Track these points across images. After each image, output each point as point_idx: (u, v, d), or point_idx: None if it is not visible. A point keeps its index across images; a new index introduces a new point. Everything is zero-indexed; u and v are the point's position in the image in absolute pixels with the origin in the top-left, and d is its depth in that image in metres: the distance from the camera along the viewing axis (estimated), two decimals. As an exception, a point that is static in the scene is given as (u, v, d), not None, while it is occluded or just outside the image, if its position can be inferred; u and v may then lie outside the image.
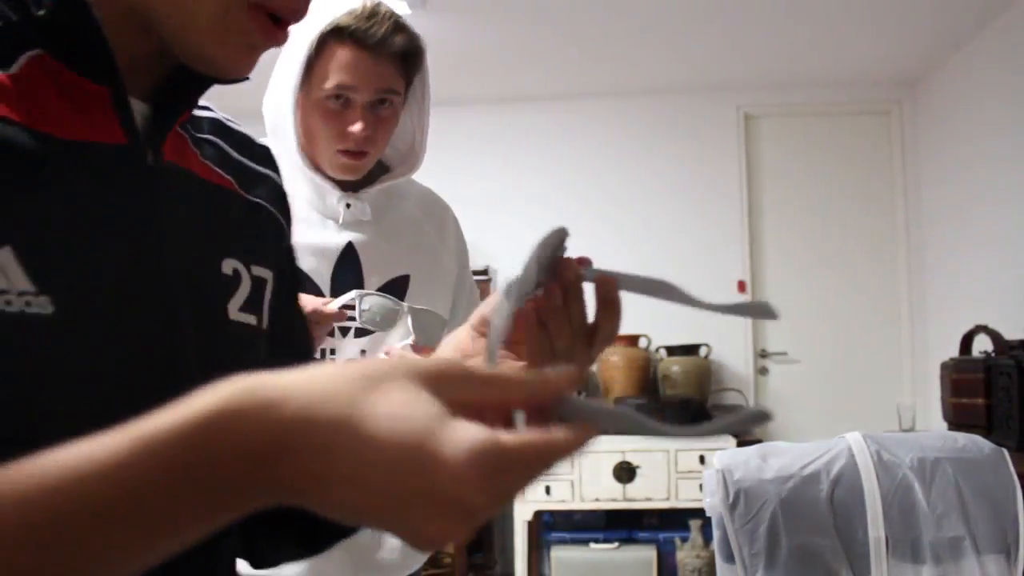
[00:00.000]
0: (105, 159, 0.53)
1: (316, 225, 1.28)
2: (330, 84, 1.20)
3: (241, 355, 0.61)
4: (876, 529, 1.24)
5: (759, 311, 0.73)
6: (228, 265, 0.61)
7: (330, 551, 1.18)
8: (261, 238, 0.67)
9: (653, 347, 4.38)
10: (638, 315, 5.06)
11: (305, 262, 1.16)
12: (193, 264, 0.58)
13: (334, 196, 1.28)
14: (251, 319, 0.63)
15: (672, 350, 4.33)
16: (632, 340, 4.33)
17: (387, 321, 1.18)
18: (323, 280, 1.26)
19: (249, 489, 0.37)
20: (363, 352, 1.27)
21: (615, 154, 4.63)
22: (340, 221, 1.29)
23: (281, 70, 1.24)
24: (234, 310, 0.61)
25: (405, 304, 1.19)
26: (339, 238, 1.28)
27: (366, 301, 1.17)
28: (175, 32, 0.53)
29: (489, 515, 0.38)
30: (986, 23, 3.67)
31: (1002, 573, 1.24)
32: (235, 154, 0.67)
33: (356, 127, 1.21)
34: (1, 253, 0.45)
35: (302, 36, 1.20)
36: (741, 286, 4.51)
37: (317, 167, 1.28)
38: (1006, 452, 1.31)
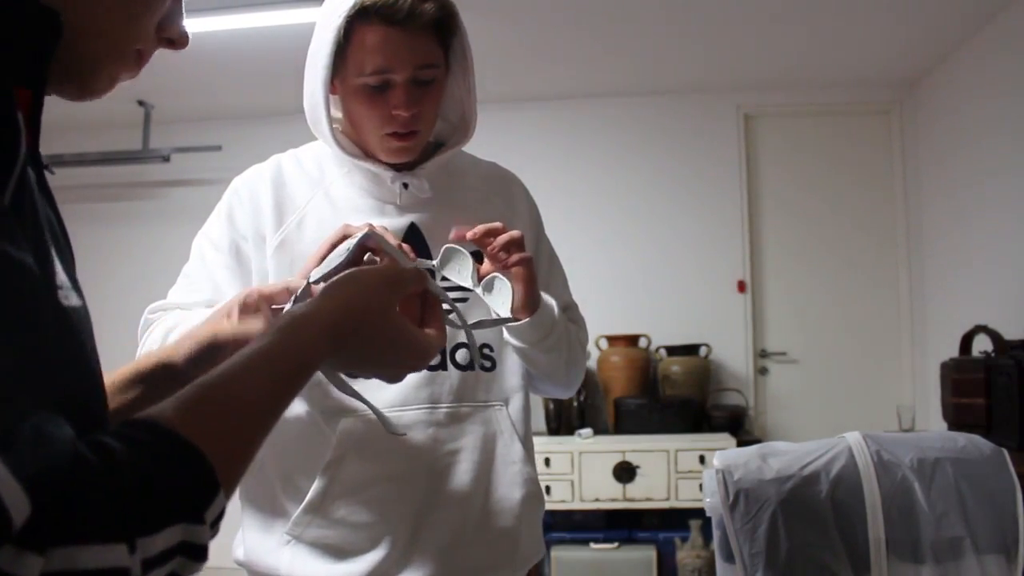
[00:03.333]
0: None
1: (375, 212, 1.23)
2: (366, 69, 1.14)
3: None
4: (876, 529, 1.24)
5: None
6: None
7: (412, 549, 1.14)
8: None
9: (653, 347, 4.38)
10: (638, 315, 5.04)
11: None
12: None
13: (388, 177, 1.23)
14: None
15: (672, 350, 4.33)
16: (632, 340, 4.34)
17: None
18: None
19: (317, 356, 0.63)
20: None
21: (615, 154, 4.63)
22: (399, 203, 1.24)
23: (311, 62, 1.19)
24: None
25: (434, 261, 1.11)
26: (400, 221, 1.23)
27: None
28: (82, 60, 0.58)
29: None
30: (986, 23, 3.67)
31: (1002, 573, 1.24)
32: None
33: (400, 108, 1.15)
34: (55, 255, 0.50)
35: (327, 24, 1.15)
36: (741, 286, 4.51)
37: (366, 152, 1.23)
38: (1006, 452, 1.31)
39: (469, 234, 1.11)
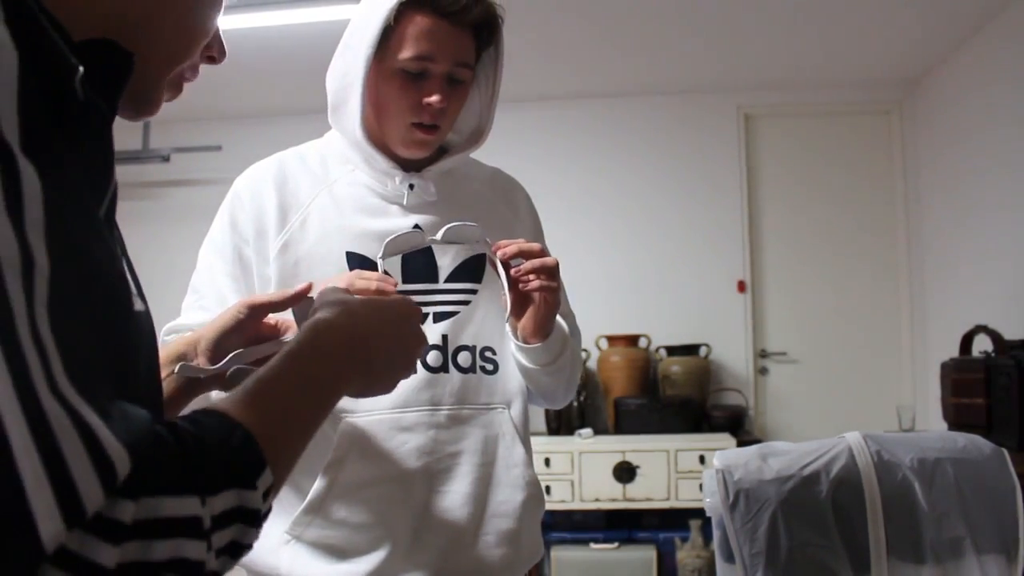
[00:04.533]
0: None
1: (379, 212, 1.24)
2: (409, 53, 1.16)
3: None
4: (876, 529, 1.24)
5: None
6: None
7: (413, 550, 1.15)
8: None
9: (653, 347, 4.38)
10: (638, 315, 5.03)
11: (371, 249, 1.10)
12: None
13: (396, 177, 1.24)
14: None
15: (672, 350, 4.33)
16: (632, 340, 4.34)
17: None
18: (394, 267, 1.21)
19: (343, 362, 0.70)
20: (444, 337, 1.22)
21: (615, 154, 4.63)
22: (405, 203, 1.24)
23: (354, 40, 1.18)
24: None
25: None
26: (405, 221, 1.23)
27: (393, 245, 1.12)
28: (146, 89, 0.65)
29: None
30: (986, 23, 3.67)
31: (1002, 573, 1.24)
32: None
33: (434, 98, 1.17)
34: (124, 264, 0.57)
35: (378, 6, 1.16)
36: (741, 286, 4.51)
37: (379, 146, 1.23)
38: (1006, 452, 1.31)
39: (501, 252, 1.12)
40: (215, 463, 0.51)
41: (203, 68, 0.73)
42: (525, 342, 1.21)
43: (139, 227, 4.79)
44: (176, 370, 0.93)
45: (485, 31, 1.21)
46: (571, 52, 4.05)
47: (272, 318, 1.03)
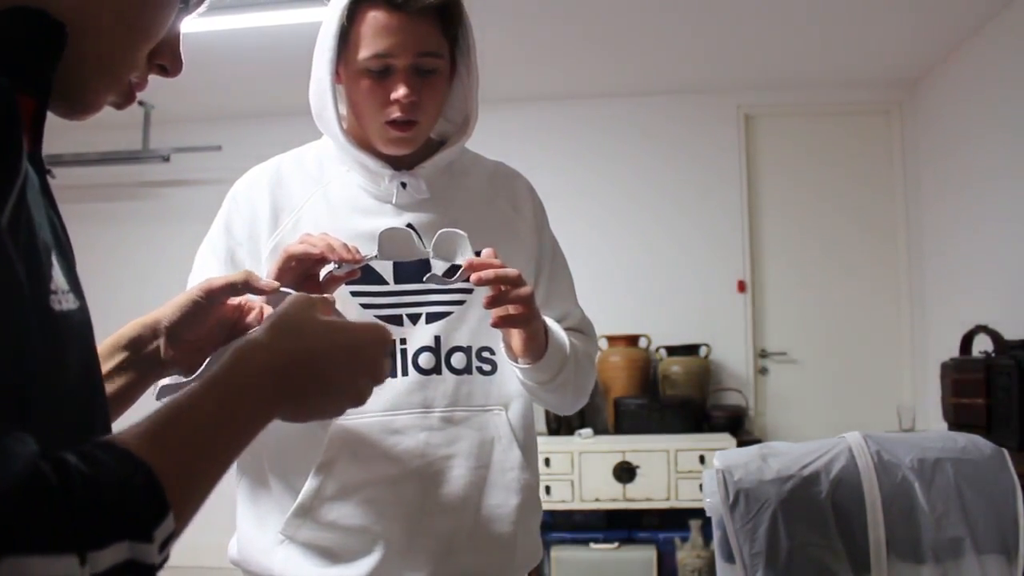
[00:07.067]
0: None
1: (373, 211, 1.21)
2: (367, 52, 1.13)
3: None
4: (876, 529, 1.23)
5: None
6: None
7: (407, 554, 1.13)
8: None
9: (653, 347, 4.38)
10: (638, 315, 5.02)
11: (364, 249, 1.08)
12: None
13: (386, 176, 1.21)
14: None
15: (672, 350, 4.33)
16: (632, 340, 4.34)
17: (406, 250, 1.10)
18: (385, 266, 1.19)
19: (271, 389, 0.62)
20: (437, 338, 1.19)
21: (615, 154, 4.63)
22: (394, 202, 1.21)
23: (318, 48, 1.17)
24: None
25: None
26: (398, 220, 1.20)
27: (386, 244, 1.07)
28: (74, 81, 0.58)
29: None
30: (986, 23, 3.67)
31: (1002, 573, 1.24)
32: None
33: (400, 92, 1.13)
34: (54, 259, 0.51)
35: (334, 7, 1.14)
36: (741, 286, 4.51)
37: (367, 147, 1.21)
38: (1006, 452, 1.31)
39: (475, 277, 1.06)
40: (105, 510, 0.45)
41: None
42: (517, 362, 1.17)
43: (139, 227, 4.80)
44: (156, 396, 0.91)
45: (448, 14, 1.17)
46: (571, 52, 4.05)
47: (236, 299, 0.99)
